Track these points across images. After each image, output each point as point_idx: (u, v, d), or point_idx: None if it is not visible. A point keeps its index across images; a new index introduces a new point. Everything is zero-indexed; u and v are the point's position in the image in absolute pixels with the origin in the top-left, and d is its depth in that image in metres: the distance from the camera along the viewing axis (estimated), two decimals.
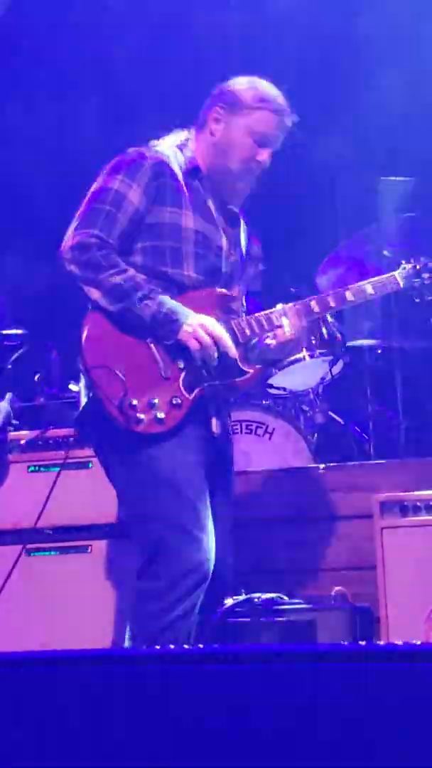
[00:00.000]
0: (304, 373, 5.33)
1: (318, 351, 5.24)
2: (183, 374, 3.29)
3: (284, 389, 5.36)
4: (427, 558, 3.84)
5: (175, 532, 3.20)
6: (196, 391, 3.30)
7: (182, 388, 3.28)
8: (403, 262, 3.58)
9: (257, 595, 3.92)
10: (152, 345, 3.27)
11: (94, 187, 3.36)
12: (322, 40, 6.24)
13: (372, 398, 5.43)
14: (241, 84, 3.41)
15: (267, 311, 3.44)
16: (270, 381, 5.32)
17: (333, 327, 5.36)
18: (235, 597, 3.90)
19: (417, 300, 3.61)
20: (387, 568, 3.89)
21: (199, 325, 3.26)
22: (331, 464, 4.67)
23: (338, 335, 5.35)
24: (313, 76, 6.07)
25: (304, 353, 5.22)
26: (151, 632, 3.16)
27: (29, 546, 4.00)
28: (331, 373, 5.33)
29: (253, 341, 3.47)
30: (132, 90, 6.27)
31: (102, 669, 1.96)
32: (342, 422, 5.46)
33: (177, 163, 3.38)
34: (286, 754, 1.87)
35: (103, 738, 1.93)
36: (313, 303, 3.46)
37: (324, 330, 5.32)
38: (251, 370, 3.40)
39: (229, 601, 3.81)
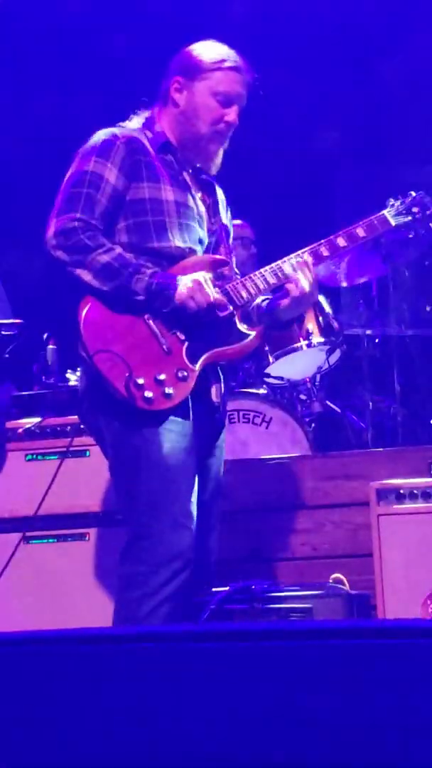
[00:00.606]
0: (301, 362, 5.34)
1: (315, 340, 5.26)
2: (185, 346, 3.29)
3: (281, 378, 5.37)
4: (422, 545, 3.86)
5: (160, 517, 3.21)
6: (200, 360, 3.30)
7: (186, 360, 3.28)
8: (391, 199, 3.56)
9: (254, 582, 3.93)
10: (150, 321, 3.28)
11: (69, 171, 3.36)
12: (323, 27, 6.23)
13: (369, 387, 5.43)
14: (195, 50, 3.43)
15: (260, 270, 3.42)
16: (267, 370, 5.33)
17: (330, 316, 5.37)
18: (231, 585, 3.92)
19: (411, 236, 3.58)
20: (383, 555, 3.91)
21: (193, 283, 3.26)
22: (329, 453, 4.69)
23: (335, 324, 5.36)
24: (314, 64, 6.07)
25: (302, 342, 5.23)
26: (135, 618, 3.17)
27: (27, 534, 4.01)
28: (328, 362, 5.34)
29: (259, 302, 3.46)
30: (131, 81, 6.25)
31: (99, 648, 1.98)
32: (339, 411, 5.47)
33: (147, 140, 3.39)
34: (283, 733, 1.88)
35: (100, 717, 1.94)
36: (306, 255, 3.44)
37: (321, 319, 5.33)
38: (253, 332, 3.41)
39: (219, 590, 3.82)
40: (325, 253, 3.45)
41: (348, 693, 1.85)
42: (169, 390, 3.23)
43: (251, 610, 3.83)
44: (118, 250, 3.28)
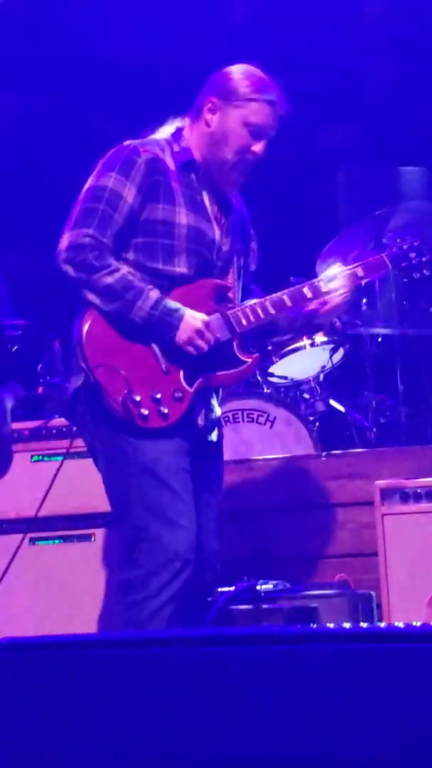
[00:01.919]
0: (304, 362, 5.35)
1: (319, 339, 5.27)
2: (183, 368, 3.32)
3: (285, 377, 5.38)
4: (427, 544, 3.87)
5: (157, 520, 3.23)
6: (196, 383, 3.33)
7: (183, 382, 3.31)
8: (388, 243, 3.60)
9: (260, 582, 3.95)
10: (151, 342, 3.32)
11: (88, 184, 3.37)
12: (327, 26, 6.23)
13: (373, 386, 5.44)
14: (236, 73, 3.41)
15: (263, 299, 3.46)
16: (271, 369, 5.34)
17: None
18: (237, 585, 3.94)
19: (405, 280, 3.65)
20: (388, 555, 3.92)
21: (194, 331, 3.29)
22: (333, 452, 4.70)
23: (338, 323, 5.37)
24: (318, 62, 6.08)
25: (305, 341, 5.25)
26: (138, 621, 3.19)
27: (32, 535, 4.03)
28: (331, 361, 5.35)
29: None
30: (135, 78, 6.27)
31: (106, 652, 1.99)
32: (343, 410, 5.48)
33: (171, 155, 3.39)
34: (288, 736, 1.90)
35: (109, 721, 1.96)
36: (305, 289, 3.47)
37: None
38: (249, 359, 3.43)
39: (225, 590, 3.84)
40: (325, 289, 3.47)
41: (352, 697, 1.86)
42: (164, 409, 3.27)
43: (256, 611, 3.85)
44: (124, 270, 3.29)
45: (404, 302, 5.65)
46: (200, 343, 3.30)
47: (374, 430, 5.32)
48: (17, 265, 5.89)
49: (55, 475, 3.54)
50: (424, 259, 3.54)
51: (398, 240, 3.57)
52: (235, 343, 3.40)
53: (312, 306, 3.50)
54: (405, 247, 3.54)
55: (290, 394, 5.40)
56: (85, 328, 3.31)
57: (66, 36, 6.40)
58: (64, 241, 3.30)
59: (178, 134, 3.44)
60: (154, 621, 3.19)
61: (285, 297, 3.44)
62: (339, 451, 4.74)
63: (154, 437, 3.28)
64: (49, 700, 1.99)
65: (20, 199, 6.22)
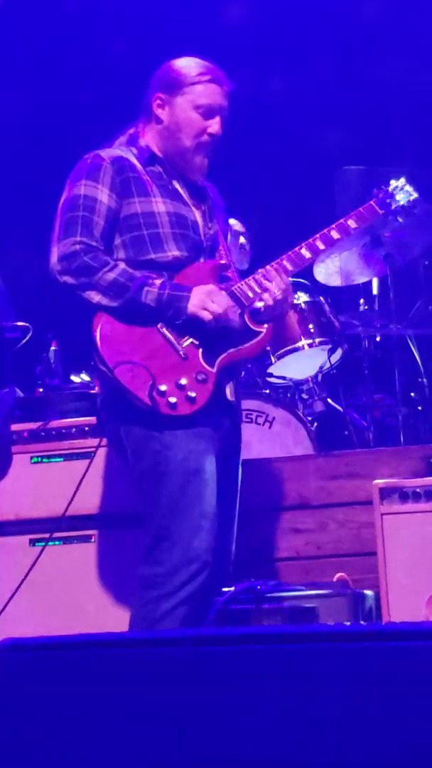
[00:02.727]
0: (303, 362, 5.36)
1: (317, 339, 5.27)
2: (200, 350, 3.35)
3: (284, 378, 5.39)
4: (426, 544, 3.88)
5: (180, 520, 3.25)
6: (217, 362, 3.36)
7: (204, 363, 3.34)
8: (375, 189, 3.66)
9: (259, 582, 3.96)
10: (164, 329, 3.34)
11: (62, 199, 3.43)
12: (323, 27, 6.24)
13: (371, 386, 5.45)
14: (174, 65, 3.49)
15: (263, 269, 3.49)
16: (270, 370, 5.35)
17: (331, 315, 5.39)
18: (237, 585, 3.94)
19: (400, 220, 3.70)
20: (387, 554, 3.93)
21: (206, 294, 3.32)
22: (331, 452, 4.70)
23: (337, 324, 5.38)
24: (315, 64, 6.09)
25: (303, 342, 5.25)
26: (152, 618, 3.22)
27: (32, 536, 4.03)
28: (330, 361, 5.36)
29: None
30: (132, 85, 6.27)
31: (107, 652, 2.00)
32: (341, 410, 5.49)
33: (134, 156, 3.46)
34: (289, 736, 1.90)
35: (108, 720, 1.97)
36: (303, 250, 3.51)
37: (322, 318, 5.36)
38: (264, 328, 3.46)
39: (226, 590, 3.85)
40: (321, 247, 3.54)
41: (353, 697, 1.87)
42: (191, 393, 3.30)
43: (256, 611, 3.86)
44: (122, 266, 3.34)
45: (402, 302, 5.65)
46: (214, 306, 3.32)
47: (373, 430, 5.32)
48: (15, 267, 5.89)
49: (84, 475, 3.61)
50: (411, 198, 3.60)
51: (382, 186, 3.63)
52: (246, 316, 3.43)
53: (256, 302, 3.48)
54: (391, 189, 3.59)
55: (289, 395, 5.41)
56: (98, 331, 3.34)
57: (61, 44, 6.39)
58: (54, 255, 3.34)
59: (133, 138, 3.51)
60: (167, 619, 3.22)
61: (285, 262, 3.47)
62: (338, 451, 4.74)
63: (183, 436, 3.31)
64: (50, 700, 1.99)
65: (17, 202, 6.22)
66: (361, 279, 5.57)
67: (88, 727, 1.97)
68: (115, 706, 1.96)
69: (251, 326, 3.44)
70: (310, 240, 3.54)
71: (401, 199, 3.63)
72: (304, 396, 5.39)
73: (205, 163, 3.49)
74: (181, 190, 3.49)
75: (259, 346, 3.48)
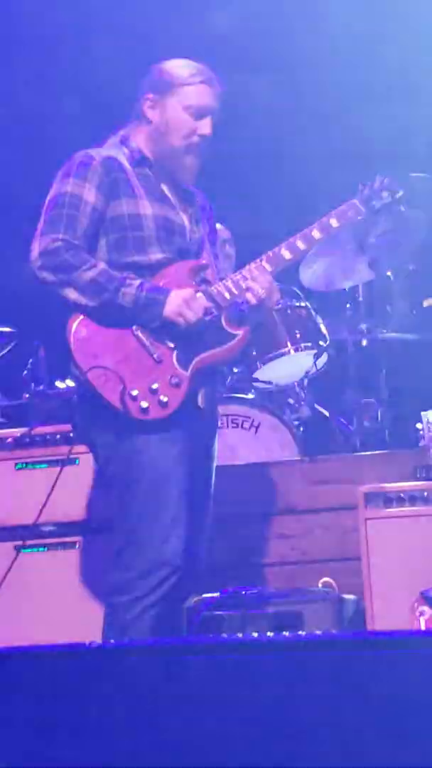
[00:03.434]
0: (289, 367, 5.36)
1: (302, 344, 5.28)
2: (174, 353, 3.35)
3: (269, 383, 5.39)
4: (410, 548, 3.89)
5: (150, 525, 3.26)
6: (191, 365, 3.36)
7: (177, 367, 3.34)
8: (360, 185, 3.62)
9: (244, 587, 3.96)
10: (138, 332, 3.34)
11: (49, 195, 3.43)
12: (310, 35, 6.25)
13: (356, 390, 5.46)
14: (165, 66, 3.50)
15: (241, 270, 3.48)
16: (255, 375, 5.35)
17: (317, 320, 5.40)
18: (222, 590, 3.95)
19: (383, 220, 3.65)
20: (371, 559, 3.94)
21: (183, 300, 3.32)
22: (317, 457, 4.71)
23: (322, 328, 5.39)
24: (297, 68, 6.10)
25: (289, 347, 5.26)
26: (122, 622, 3.23)
27: (16, 543, 4.03)
28: (315, 366, 5.36)
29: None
30: (118, 92, 6.27)
31: (89, 662, 2.00)
32: (327, 414, 5.50)
33: (124, 157, 3.46)
34: (276, 742, 1.91)
35: (92, 729, 1.97)
36: (283, 250, 3.49)
37: (308, 323, 5.36)
38: (240, 332, 3.45)
39: (209, 595, 3.85)
40: (302, 246, 3.51)
41: (337, 702, 1.88)
42: (164, 398, 3.30)
43: (242, 616, 3.86)
44: (102, 265, 3.34)
45: (387, 306, 5.67)
46: (189, 313, 3.33)
47: (358, 434, 5.33)
48: (1, 273, 5.88)
49: (54, 483, 3.59)
50: (396, 195, 3.58)
51: (368, 183, 3.59)
52: (222, 319, 3.43)
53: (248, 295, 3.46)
54: (375, 186, 3.56)
55: (274, 400, 5.41)
56: (73, 333, 3.34)
57: (56, 47, 6.39)
58: (35, 250, 3.34)
59: (124, 139, 3.51)
60: (137, 624, 3.22)
61: (264, 262, 3.46)
62: (323, 456, 4.75)
63: (154, 441, 3.30)
64: (35, 707, 1.99)
65: (2, 206, 6.21)
66: (346, 284, 5.58)
67: (71, 734, 1.97)
68: (98, 713, 1.96)
69: (227, 329, 3.44)
70: (290, 239, 3.52)
71: (386, 196, 3.58)
72: (290, 401, 5.40)
73: (195, 164, 3.49)
74: (169, 194, 3.49)
75: (234, 349, 3.47)
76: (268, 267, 3.46)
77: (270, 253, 3.48)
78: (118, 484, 3.35)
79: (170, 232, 3.44)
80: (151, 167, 3.47)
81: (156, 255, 3.40)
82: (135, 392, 3.28)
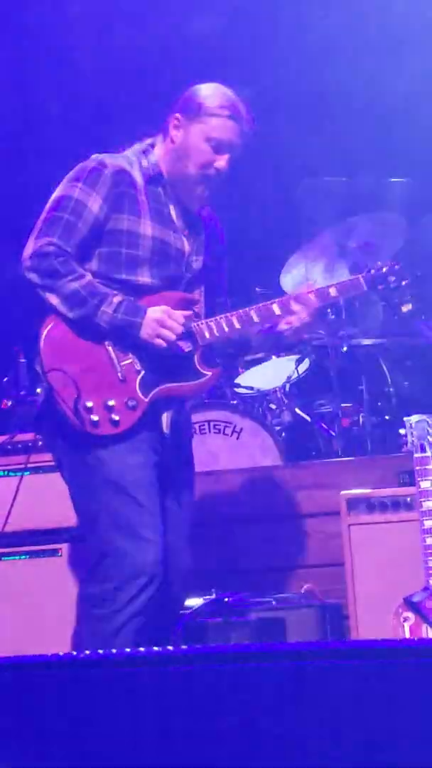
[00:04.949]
0: (270, 372, 5.37)
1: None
2: (140, 376, 3.33)
3: (251, 388, 5.40)
4: (393, 554, 3.90)
5: (123, 534, 3.24)
6: (152, 393, 3.34)
7: (138, 391, 3.32)
8: (369, 265, 3.60)
9: (227, 594, 3.96)
10: (110, 347, 3.32)
11: (54, 195, 3.40)
12: (294, 42, 6.26)
13: (338, 396, 5.47)
14: (200, 91, 3.45)
15: (228, 314, 3.46)
16: (237, 380, 5.36)
17: None
18: (205, 597, 3.94)
19: (383, 303, 3.63)
20: (354, 565, 3.94)
21: (157, 322, 3.30)
22: (299, 462, 4.71)
23: (305, 335, 5.39)
24: (282, 74, 6.11)
25: None
26: (103, 636, 3.20)
27: None
28: (297, 371, 5.38)
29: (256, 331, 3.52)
30: (106, 93, 6.25)
31: (74, 672, 1.99)
32: (309, 420, 5.50)
33: (140, 170, 3.43)
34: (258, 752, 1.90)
35: (79, 740, 1.96)
36: (275, 306, 3.48)
37: None
38: (209, 373, 3.44)
39: (193, 602, 3.84)
40: (278, 312, 3.46)
41: (315, 714, 1.87)
42: (115, 417, 3.28)
43: (224, 623, 3.86)
44: (88, 278, 3.32)
45: (369, 312, 5.67)
46: (166, 333, 3.31)
47: (340, 439, 5.33)
48: None
49: (17, 491, 3.54)
50: (404, 282, 3.55)
51: (379, 262, 3.58)
52: (196, 356, 3.41)
53: (282, 324, 3.50)
54: (385, 269, 3.54)
55: (256, 405, 5.41)
56: (45, 332, 3.33)
57: (54, 51, 6.36)
58: (28, 249, 3.33)
59: (148, 150, 3.48)
60: (120, 635, 3.20)
61: (252, 312, 3.45)
62: (305, 462, 4.75)
63: (118, 450, 3.28)
64: (16, 719, 1.98)
65: None
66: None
67: (53, 746, 1.96)
68: (81, 725, 1.95)
69: (198, 368, 3.42)
70: (284, 298, 3.49)
71: (393, 281, 3.54)
72: (272, 406, 5.41)
73: (205, 195, 3.46)
74: (174, 217, 3.46)
75: (200, 387, 3.46)
76: (255, 318, 3.45)
77: (261, 306, 3.45)
78: (84, 494, 3.34)
79: (166, 257, 3.41)
80: (164, 187, 3.44)
81: (144, 278, 3.37)
82: (89, 404, 3.26)
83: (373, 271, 3.54)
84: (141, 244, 3.37)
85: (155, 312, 3.32)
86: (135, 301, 3.35)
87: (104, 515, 3.27)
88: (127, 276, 3.36)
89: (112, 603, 3.22)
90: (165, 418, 3.39)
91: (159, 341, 3.31)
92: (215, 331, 3.42)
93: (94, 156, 3.43)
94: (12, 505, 3.56)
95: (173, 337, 3.32)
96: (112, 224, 3.36)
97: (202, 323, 3.43)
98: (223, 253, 3.64)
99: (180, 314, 3.35)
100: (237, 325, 3.44)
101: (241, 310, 3.46)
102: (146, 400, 3.33)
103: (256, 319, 3.46)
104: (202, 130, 3.41)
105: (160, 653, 1.92)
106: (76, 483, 3.37)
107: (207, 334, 3.41)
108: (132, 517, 3.25)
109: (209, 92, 3.44)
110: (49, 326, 3.32)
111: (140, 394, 3.32)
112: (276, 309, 3.48)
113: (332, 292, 3.53)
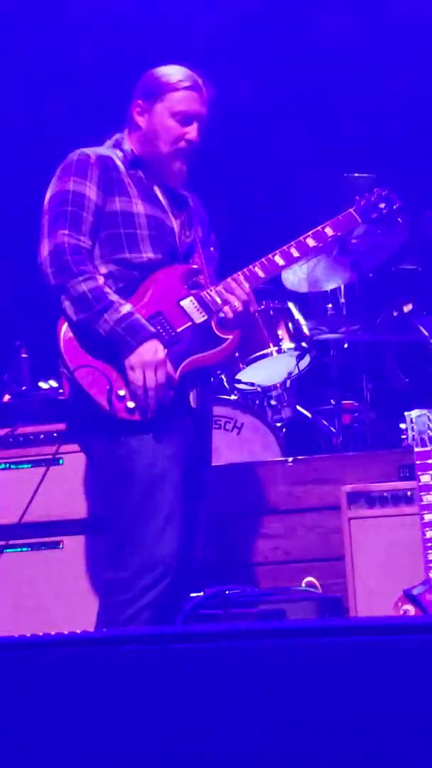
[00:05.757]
0: (271, 368, 5.38)
1: (285, 346, 5.30)
2: (165, 353, 3.34)
3: (252, 384, 5.41)
4: (393, 548, 3.91)
5: (145, 524, 3.26)
6: (180, 367, 3.36)
7: (168, 366, 3.33)
8: (357, 197, 3.63)
9: (228, 587, 3.97)
10: None
11: (49, 194, 3.42)
12: (287, 36, 6.28)
13: (339, 392, 5.48)
14: (155, 72, 3.50)
15: (233, 276, 3.47)
16: (238, 376, 5.37)
17: (300, 322, 5.42)
18: (205, 591, 3.95)
19: (379, 232, 3.65)
20: (354, 559, 3.95)
21: (148, 363, 3.28)
22: (300, 457, 4.73)
23: (305, 330, 5.40)
24: (277, 72, 6.12)
25: (272, 348, 5.28)
26: (116, 622, 3.23)
27: (0, 543, 4.02)
28: (298, 367, 5.38)
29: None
30: (106, 93, 6.27)
31: (76, 651, 2.00)
32: (309, 416, 5.51)
33: (118, 158, 3.47)
34: (264, 732, 1.91)
35: (73, 720, 1.97)
36: (277, 257, 3.50)
37: (291, 325, 5.38)
38: (230, 336, 3.46)
39: (193, 594, 3.85)
40: (296, 254, 3.51)
41: (321, 692, 1.88)
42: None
43: (225, 616, 3.87)
44: (100, 281, 3.32)
45: (369, 308, 5.69)
46: (150, 377, 3.26)
47: (340, 435, 5.35)
48: None
49: (39, 483, 3.58)
50: (394, 207, 3.59)
51: (365, 194, 3.61)
52: (213, 323, 3.43)
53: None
54: (373, 198, 3.58)
55: (257, 401, 5.42)
56: (63, 333, 3.34)
57: (49, 53, 6.38)
58: (45, 250, 3.33)
59: (118, 143, 3.53)
60: (132, 623, 3.23)
61: (257, 269, 3.47)
62: (306, 457, 4.77)
63: (148, 441, 3.30)
64: (16, 702, 1.99)
65: None
66: (329, 285, 5.61)
67: (56, 727, 1.97)
68: (79, 706, 1.96)
69: (217, 333, 3.45)
70: (285, 247, 3.51)
71: (384, 207, 3.58)
72: (273, 402, 5.42)
73: (183, 169, 3.49)
74: (160, 196, 3.50)
75: (223, 353, 3.47)
76: (261, 273, 3.46)
77: (264, 260, 3.48)
78: (113, 483, 3.35)
79: (161, 232, 3.44)
80: (144, 170, 3.48)
81: (148, 254, 3.39)
82: (122, 392, 3.28)
83: (363, 202, 3.57)
84: (137, 222, 3.40)
85: (155, 351, 3.30)
86: (143, 281, 3.36)
87: (130, 505, 3.29)
88: (130, 255, 3.38)
89: (126, 591, 3.25)
90: (192, 394, 3.42)
91: (138, 377, 3.26)
92: (225, 295, 3.43)
93: (73, 152, 3.46)
94: (33, 497, 3.59)
95: (151, 385, 3.26)
96: (107, 207, 3.40)
97: (212, 290, 3.45)
98: (209, 226, 3.67)
99: (169, 373, 3.32)
100: (245, 285, 3.45)
101: (245, 269, 3.46)
102: (176, 376, 3.34)
103: (261, 274, 3.47)
104: (165, 107, 3.45)
105: (164, 630, 1.93)
106: (105, 473, 3.39)
107: (218, 300, 3.43)
108: (155, 508, 3.28)
109: (164, 71, 3.49)
110: (65, 327, 3.34)
111: (170, 369, 3.33)
112: (279, 260, 3.48)
113: (328, 231, 3.54)
